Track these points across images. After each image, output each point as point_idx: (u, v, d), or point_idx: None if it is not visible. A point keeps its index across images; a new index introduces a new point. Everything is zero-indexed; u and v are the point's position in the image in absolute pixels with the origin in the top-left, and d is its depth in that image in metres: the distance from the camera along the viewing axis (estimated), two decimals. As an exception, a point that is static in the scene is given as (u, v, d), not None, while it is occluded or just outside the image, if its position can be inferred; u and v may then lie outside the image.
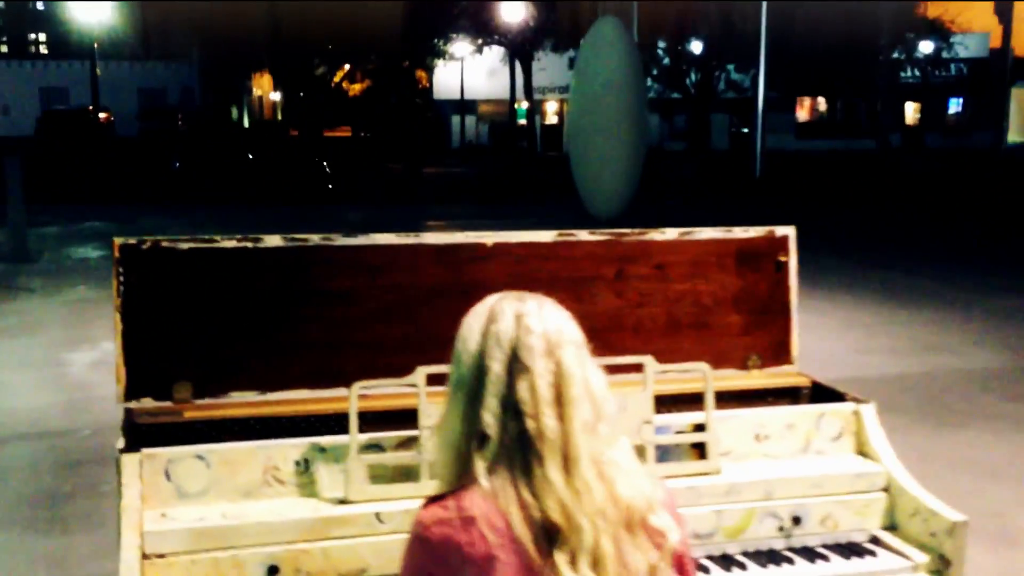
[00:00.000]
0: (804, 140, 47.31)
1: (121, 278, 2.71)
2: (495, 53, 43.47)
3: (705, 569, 2.61)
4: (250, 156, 29.08)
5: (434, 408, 2.38)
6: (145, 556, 2.32)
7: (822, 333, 10.13)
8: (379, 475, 2.55)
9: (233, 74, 47.60)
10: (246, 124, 51.24)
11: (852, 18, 33.73)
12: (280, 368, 2.82)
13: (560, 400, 1.74)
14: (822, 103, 51.52)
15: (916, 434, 6.91)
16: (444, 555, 1.67)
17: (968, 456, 6.49)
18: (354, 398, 2.53)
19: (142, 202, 21.20)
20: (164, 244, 2.75)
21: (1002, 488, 5.91)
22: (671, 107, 43.07)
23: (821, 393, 3.14)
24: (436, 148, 42.30)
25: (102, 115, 38.57)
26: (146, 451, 2.45)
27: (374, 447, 2.57)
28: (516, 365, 1.75)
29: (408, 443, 2.57)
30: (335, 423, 2.71)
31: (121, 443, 2.48)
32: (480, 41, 42.09)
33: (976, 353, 9.33)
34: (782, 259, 3.25)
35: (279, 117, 51.45)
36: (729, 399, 3.05)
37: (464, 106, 45.01)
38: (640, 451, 2.71)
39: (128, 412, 2.71)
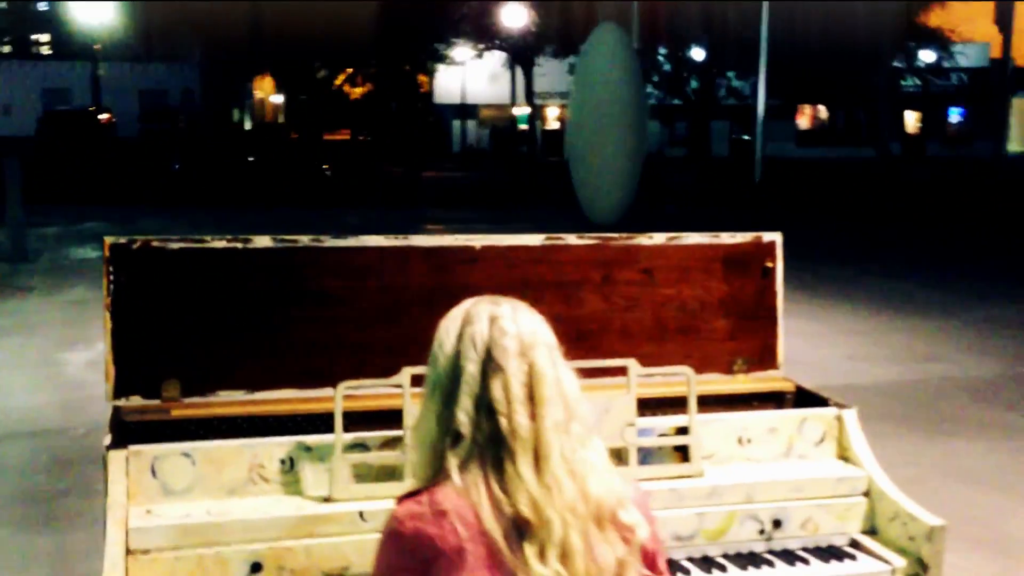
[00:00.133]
0: (804, 148, 47.34)
1: (111, 277, 2.74)
2: (496, 58, 43.53)
3: (685, 570, 2.63)
4: (250, 158, 29.12)
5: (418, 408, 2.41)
6: (130, 552, 2.35)
7: (817, 340, 10.16)
8: (363, 474, 2.58)
9: (235, 76, 47.66)
10: (247, 126, 51.29)
11: (853, 26, 33.77)
12: (268, 368, 2.85)
13: (533, 399, 1.79)
14: (823, 111, 51.58)
15: (907, 441, 6.93)
16: (416, 547, 1.72)
17: (959, 464, 6.51)
18: (339, 398, 2.56)
19: (142, 203, 21.23)
20: (154, 244, 2.78)
21: (991, 496, 5.94)
22: (672, 114, 43.13)
23: (805, 398, 3.16)
24: (437, 152, 42.34)
25: (104, 116, 38.60)
26: (132, 448, 2.48)
27: (359, 446, 2.60)
28: (490, 366, 1.80)
29: (392, 443, 2.60)
30: (322, 423, 2.74)
31: (108, 440, 2.51)
32: (482, 46, 42.15)
33: (971, 361, 9.36)
34: (769, 265, 3.28)
35: (280, 120, 51.51)
36: (714, 403, 3.08)
37: (465, 111, 45.07)
38: (623, 453, 2.74)
39: (117, 410, 2.73)
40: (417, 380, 2.51)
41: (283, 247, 2.87)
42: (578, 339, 3.10)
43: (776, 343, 3.28)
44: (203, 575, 2.39)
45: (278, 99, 54.00)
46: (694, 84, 40.54)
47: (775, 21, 25.05)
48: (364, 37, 37.98)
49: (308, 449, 2.59)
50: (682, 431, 2.82)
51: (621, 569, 1.78)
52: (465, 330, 1.85)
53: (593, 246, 3.12)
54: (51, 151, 31.51)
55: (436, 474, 1.80)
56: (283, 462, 2.58)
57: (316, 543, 2.46)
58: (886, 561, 2.70)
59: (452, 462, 1.77)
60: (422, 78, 48.70)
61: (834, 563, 2.70)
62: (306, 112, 44.15)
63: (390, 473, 2.59)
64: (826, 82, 38.41)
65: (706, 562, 2.68)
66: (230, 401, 2.81)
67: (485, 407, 1.78)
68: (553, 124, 47.72)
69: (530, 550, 1.71)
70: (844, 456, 2.97)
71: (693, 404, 2.79)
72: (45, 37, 51.39)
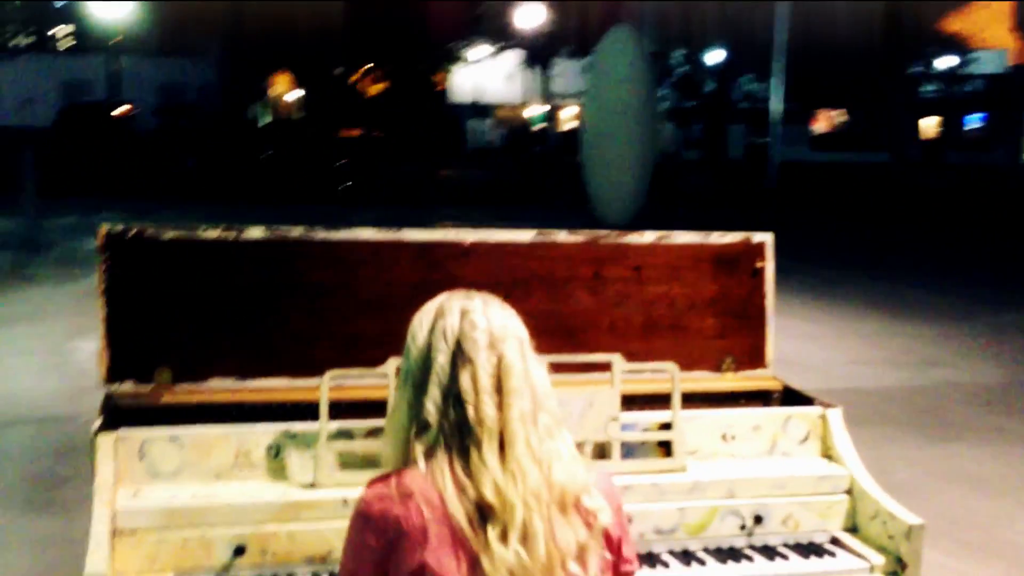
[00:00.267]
0: (820, 152, 47.21)
1: (106, 265, 2.79)
2: (513, 57, 43.59)
3: (665, 564, 2.67)
4: (267, 154, 29.23)
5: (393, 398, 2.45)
6: (116, 532, 2.40)
7: (823, 343, 10.17)
8: (348, 462, 2.62)
9: (252, 72, 47.84)
10: (264, 122, 51.50)
11: (871, 31, 33.69)
12: (259, 356, 2.89)
13: (500, 390, 1.86)
14: (840, 116, 51.42)
15: (909, 445, 6.95)
16: (383, 527, 1.79)
17: (959, 469, 6.52)
18: (325, 387, 2.60)
19: (158, 197, 21.35)
20: (148, 233, 2.83)
21: (990, 501, 5.94)
22: (687, 116, 43.10)
23: (792, 397, 3.19)
24: (451, 151, 42.40)
25: (124, 108, 38.80)
26: (121, 431, 2.53)
27: (344, 435, 2.64)
28: (460, 358, 1.87)
29: (377, 432, 2.63)
30: (310, 411, 2.77)
31: (97, 423, 2.56)
32: (498, 45, 42.22)
33: (976, 367, 9.35)
34: (759, 265, 3.30)
35: (297, 116, 51.66)
36: (701, 400, 3.11)
37: (480, 110, 45.16)
38: (606, 447, 2.78)
39: (109, 395, 2.78)
40: (402, 371, 2.56)
41: (275, 238, 2.91)
42: (567, 335, 3.14)
43: (765, 342, 3.30)
44: (187, 556, 2.43)
45: (296, 96, 54.16)
46: (710, 86, 40.49)
47: (792, 24, 25.02)
48: (382, 35, 38.08)
49: (294, 436, 2.64)
50: (666, 427, 2.85)
51: (582, 552, 1.84)
52: (437, 323, 1.92)
53: (584, 243, 3.15)
54: (69, 144, 31.69)
55: (406, 461, 1.88)
56: (269, 448, 2.63)
57: (300, 528, 2.50)
58: (865, 559, 2.72)
59: (418, 449, 1.84)
60: (438, 76, 48.80)
61: (813, 559, 2.72)
62: (322, 109, 44.31)
63: (375, 461, 2.62)
64: (843, 87, 38.30)
65: (686, 556, 2.72)
66: (221, 388, 2.85)
67: (453, 397, 1.85)
68: (568, 124, 47.76)
69: (492, 532, 1.77)
70: (828, 455, 3.00)
71: (677, 400, 2.82)
72: (66, 30, 51.65)
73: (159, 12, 43.06)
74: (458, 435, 1.83)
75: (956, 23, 39.56)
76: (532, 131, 44.98)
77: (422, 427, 1.85)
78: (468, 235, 3.07)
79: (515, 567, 1.76)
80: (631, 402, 2.95)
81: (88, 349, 8.55)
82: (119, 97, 38.76)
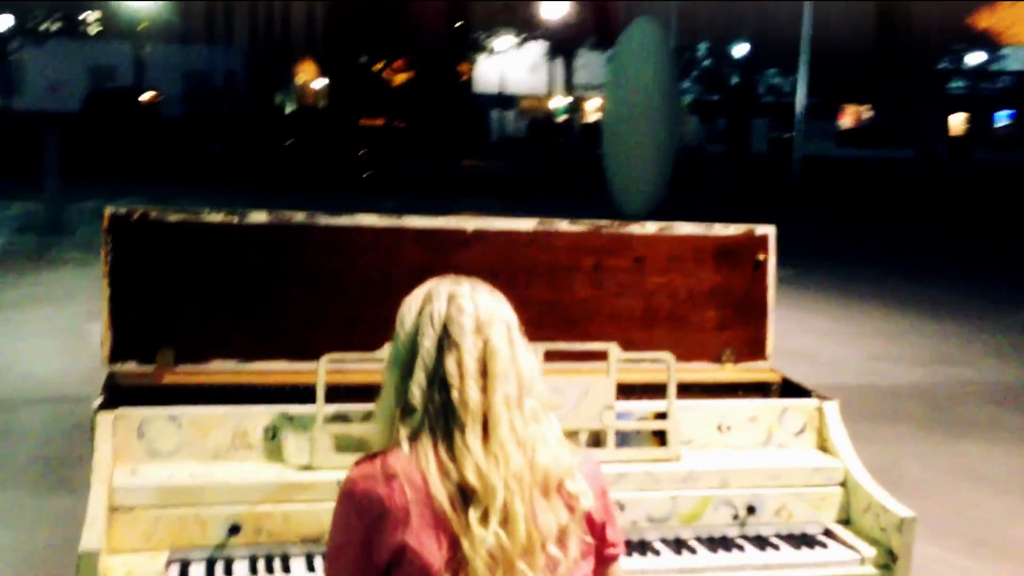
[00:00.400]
0: (846, 148, 46.92)
1: (110, 246, 2.83)
2: (537, 48, 43.52)
3: (656, 552, 2.69)
4: (290, 141, 29.35)
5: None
6: (113, 509, 2.44)
7: (841, 339, 10.14)
8: (344, 445, 2.65)
9: (278, 60, 48.04)
10: (289, 110, 51.67)
11: (898, 27, 33.42)
12: (260, 339, 2.93)
13: (485, 374, 1.88)
14: (866, 111, 51.06)
15: (921, 443, 6.93)
16: (367, 506, 1.82)
17: (972, 467, 6.49)
18: (322, 370, 2.63)
19: (182, 183, 21.49)
20: (152, 216, 2.87)
21: (1001, 500, 5.92)
22: (711, 110, 42.91)
23: (790, 389, 3.19)
24: (475, 141, 42.42)
25: (149, 95, 39.05)
26: (120, 410, 2.57)
27: (340, 418, 2.67)
28: (446, 342, 1.89)
29: (373, 415, 2.66)
30: (310, 394, 2.80)
31: (98, 402, 2.60)
32: (522, 36, 42.16)
33: (993, 366, 9.30)
34: (760, 257, 3.31)
35: (321, 104, 51.80)
36: (700, 391, 3.13)
37: (504, 100, 45.12)
38: (601, 435, 2.80)
39: (111, 374, 2.83)
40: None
41: (278, 223, 2.95)
42: (568, 324, 3.16)
43: (765, 335, 3.31)
44: (183, 534, 2.47)
45: (321, 84, 54.30)
46: (734, 80, 40.31)
47: (819, 18, 24.87)
48: (407, 25, 38.11)
49: (291, 419, 2.67)
50: (661, 416, 2.86)
51: (563, 535, 1.85)
52: (425, 308, 1.93)
53: (585, 233, 3.17)
54: (96, 129, 31.93)
55: (392, 444, 1.90)
56: (266, 430, 2.66)
57: (294, 508, 2.54)
58: (856, 550, 2.73)
59: (402, 432, 1.87)
60: (464, 67, 48.80)
61: (804, 550, 2.74)
62: (346, 98, 44.42)
63: (370, 445, 2.65)
64: (870, 82, 38.03)
65: (678, 544, 2.73)
66: (222, 370, 2.89)
67: (439, 381, 1.87)
68: (592, 116, 47.67)
69: (474, 515, 1.79)
70: (823, 447, 3.00)
71: (672, 390, 2.83)
72: (94, 16, 51.95)
73: (186, -1, 43.30)
74: (443, 418, 1.84)
75: (985, 19, 39.17)
76: (556, 122, 44.90)
77: (407, 410, 1.88)
78: (470, 223, 3.09)
79: (495, 549, 1.78)
80: (629, 391, 2.96)
81: (106, 332, 8.64)
82: (145, 83, 39.00)
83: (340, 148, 28.29)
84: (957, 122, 49.61)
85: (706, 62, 39.82)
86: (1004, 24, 39.72)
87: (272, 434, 2.66)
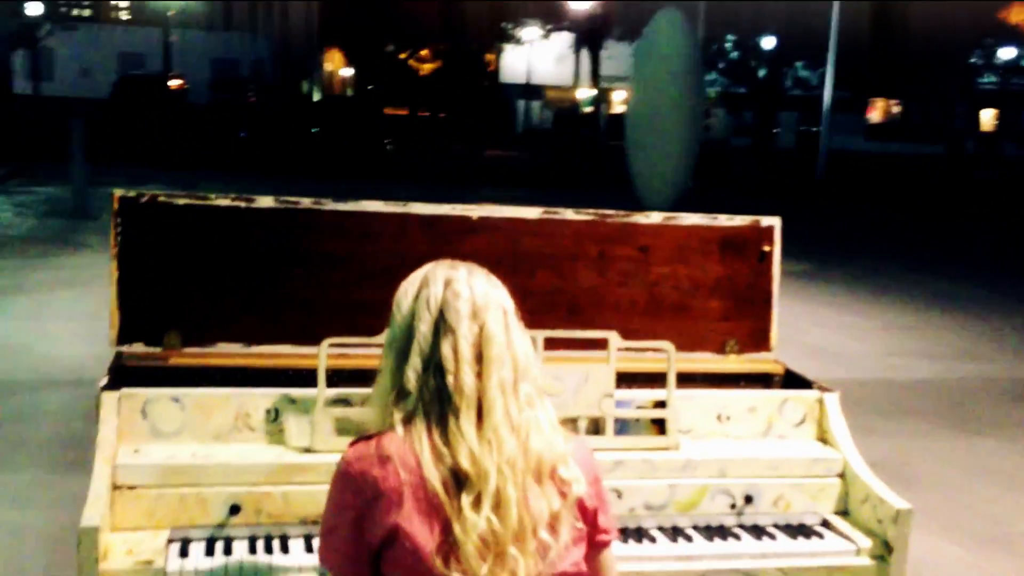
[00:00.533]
0: (874, 142, 46.56)
1: (119, 229, 2.87)
2: (564, 39, 43.43)
3: (652, 539, 2.70)
4: (315, 129, 29.48)
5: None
6: (116, 487, 2.48)
7: (859, 334, 10.11)
8: (345, 428, 2.68)
9: (305, 48, 48.18)
10: (316, 98, 51.84)
11: (928, 20, 33.10)
12: (266, 323, 2.96)
13: (480, 359, 1.88)
14: (895, 106, 50.65)
15: (935, 438, 6.90)
16: (361, 487, 1.83)
17: (986, 464, 6.47)
18: (323, 354, 2.67)
19: (207, 169, 21.63)
20: (161, 199, 2.90)
21: (1014, 496, 5.90)
22: (738, 102, 42.69)
23: (793, 381, 3.20)
24: (500, 132, 42.42)
25: (176, 83, 39.29)
26: (125, 390, 2.61)
27: (342, 401, 2.71)
28: (442, 326, 1.90)
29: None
30: (313, 378, 2.84)
31: (103, 382, 2.64)
32: (549, 26, 42.08)
33: (1012, 363, 9.24)
34: (766, 249, 3.31)
35: (347, 93, 51.94)
36: (703, 381, 3.14)
37: (530, 91, 45.06)
38: (600, 423, 2.82)
39: (118, 355, 2.87)
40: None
41: (285, 208, 2.98)
42: (571, 312, 3.18)
43: (770, 326, 3.32)
44: (184, 513, 2.51)
45: (348, 72, 54.42)
46: (761, 73, 40.09)
47: (847, 12, 24.68)
48: (435, 14, 38.12)
49: (293, 401, 2.71)
50: (661, 405, 2.88)
51: (554, 521, 1.86)
52: (421, 292, 1.95)
53: (590, 221, 3.18)
54: (125, 114, 32.20)
55: (387, 426, 1.91)
56: (268, 412, 2.70)
57: (294, 490, 2.57)
58: (852, 541, 2.74)
59: (397, 416, 1.88)
60: (490, 57, 48.78)
61: (801, 540, 2.75)
62: (372, 86, 44.52)
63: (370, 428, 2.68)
64: (899, 76, 37.72)
65: (675, 532, 2.75)
66: (227, 353, 2.92)
67: (434, 365, 1.87)
68: (618, 108, 47.53)
69: (466, 499, 1.80)
70: (823, 438, 3.01)
71: (672, 379, 2.85)
72: (124, 3, 52.31)
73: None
74: (437, 402, 1.85)
75: (1017, 13, 38.71)
76: (581, 114, 44.79)
77: (402, 393, 1.89)
78: (475, 210, 3.11)
79: (486, 534, 1.79)
80: (632, 380, 2.98)
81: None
82: (173, 70, 39.22)
83: (365, 137, 28.39)
84: (987, 117, 49.11)
85: (733, 54, 39.61)
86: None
87: (274, 416, 2.70)
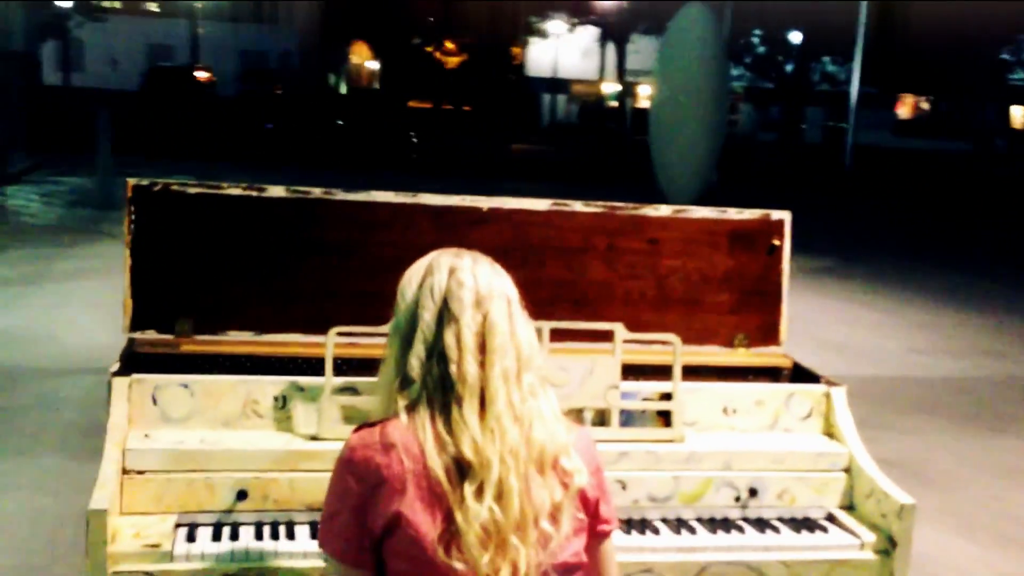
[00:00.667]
0: (902, 138, 46.19)
1: (133, 217, 2.91)
2: (590, 33, 43.33)
3: (656, 530, 2.72)
4: (340, 122, 29.58)
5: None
6: (125, 472, 2.52)
7: (883, 330, 10.06)
8: (352, 416, 2.71)
9: (332, 40, 48.32)
10: (343, 91, 51.98)
11: (959, 16, 32.80)
12: (276, 311, 3.00)
13: (484, 348, 1.89)
14: (924, 101, 50.23)
15: (954, 435, 6.87)
16: (364, 474, 1.84)
17: (1002, 461, 6.43)
18: (330, 342, 2.69)
19: (233, 160, 21.74)
20: (174, 187, 2.94)
21: (1029, 495, 5.87)
22: (765, 97, 42.45)
23: (801, 375, 3.20)
24: (525, 126, 42.39)
25: (205, 75, 39.52)
26: (136, 376, 2.65)
27: (348, 390, 2.73)
28: (446, 315, 1.90)
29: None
30: (323, 367, 2.87)
31: (115, 367, 2.68)
32: (575, 20, 41.99)
33: (1035, 362, 9.18)
34: (775, 243, 3.31)
35: (372, 86, 52.06)
36: (711, 374, 3.15)
37: (556, 85, 45.00)
38: (606, 414, 2.83)
39: (131, 341, 2.91)
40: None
41: (296, 197, 3.01)
42: (580, 304, 3.19)
43: (779, 320, 3.32)
44: (192, 497, 2.55)
45: (375, 65, 54.54)
46: (788, 68, 39.85)
47: (876, 7, 24.49)
48: (462, 7, 38.14)
49: (301, 389, 2.74)
50: (667, 397, 2.89)
51: (556, 511, 1.86)
52: (425, 280, 1.95)
53: (599, 214, 3.20)
54: (153, 106, 32.42)
55: (391, 414, 1.92)
56: (276, 399, 2.73)
57: (300, 476, 2.60)
58: (856, 535, 2.74)
59: (400, 404, 1.89)
60: (516, 50, 48.75)
61: (804, 534, 2.75)
62: (397, 79, 44.61)
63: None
64: (928, 72, 37.40)
65: (679, 523, 2.76)
66: (238, 340, 2.96)
67: (438, 354, 1.88)
68: (644, 102, 47.34)
69: (469, 489, 1.80)
70: (830, 432, 3.01)
71: (678, 371, 2.86)
72: (153, -6, 52.68)
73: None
74: (440, 391, 1.86)
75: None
76: (607, 108, 44.69)
77: (406, 381, 1.90)
78: (485, 201, 3.13)
79: (488, 523, 1.79)
80: (639, 372, 3.00)
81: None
82: (201, 62, 39.44)
83: (390, 130, 28.47)
84: (1018, 115, 48.59)
85: (760, 49, 39.40)
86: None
87: (282, 403, 2.73)
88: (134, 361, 2.80)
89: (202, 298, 2.96)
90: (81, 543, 2.43)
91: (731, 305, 3.29)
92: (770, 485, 2.84)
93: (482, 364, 1.87)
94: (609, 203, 3.22)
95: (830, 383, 3.07)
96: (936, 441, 6.70)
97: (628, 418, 2.87)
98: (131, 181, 2.92)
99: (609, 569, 2.07)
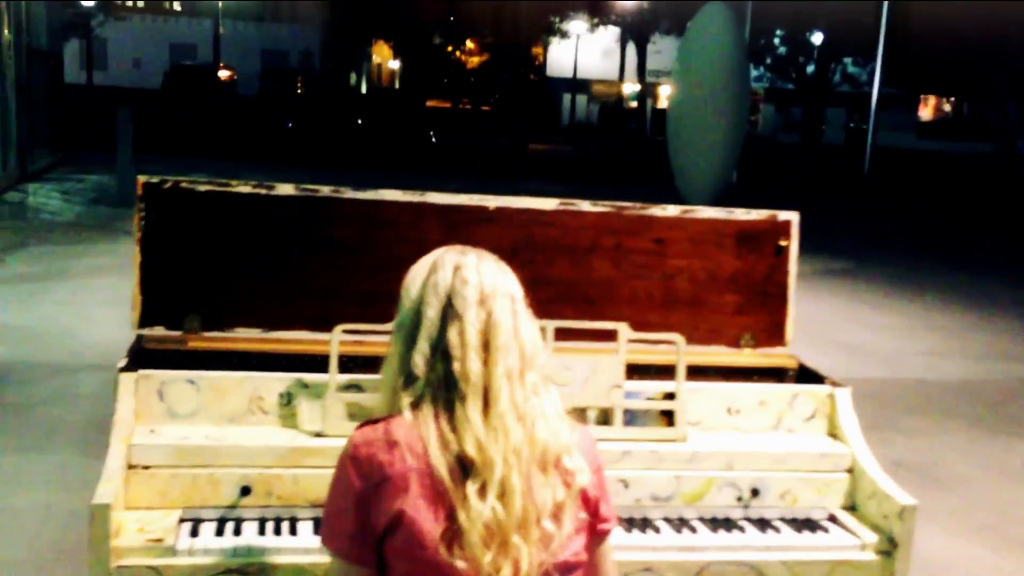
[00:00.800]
0: (925, 140, 45.92)
1: (143, 214, 2.94)
2: (611, 33, 43.29)
3: (657, 529, 2.72)
4: (360, 121, 29.67)
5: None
6: (131, 466, 2.55)
7: (899, 333, 10.02)
8: (356, 413, 2.73)
9: (354, 40, 48.45)
10: (363, 90, 52.12)
11: (981, 17, 32.57)
12: (284, 309, 3.02)
13: (487, 346, 1.89)
14: (947, 103, 49.91)
15: (968, 438, 6.84)
16: (367, 471, 1.85)
17: (1017, 465, 6.40)
18: (335, 340, 2.71)
19: (253, 159, 21.85)
20: (184, 185, 2.97)
21: (1043, 499, 5.83)
22: (786, 98, 42.29)
23: (806, 375, 3.20)
24: (545, 125, 42.38)
25: (226, 73, 39.74)
26: (142, 372, 2.68)
27: (353, 387, 2.75)
28: (449, 312, 1.91)
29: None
30: (328, 364, 2.89)
31: (122, 363, 2.71)
32: (595, 20, 41.95)
33: (1052, 365, 9.12)
34: (782, 243, 3.31)
35: (393, 85, 52.20)
36: (716, 374, 3.15)
37: (576, 85, 44.98)
38: (609, 414, 2.84)
39: (139, 337, 2.94)
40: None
41: (304, 196, 3.03)
42: (586, 304, 3.20)
43: (785, 321, 3.32)
44: (196, 492, 2.57)
45: (395, 64, 54.67)
46: (809, 69, 39.66)
47: (898, 7, 24.36)
48: (483, 7, 38.17)
49: (306, 386, 2.76)
50: (670, 396, 2.89)
51: (558, 511, 1.87)
52: (430, 278, 1.96)
53: (606, 213, 3.20)
54: (175, 104, 32.63)
55: (395, 411, 1.93)
56: (282, 396, 2.75)
57: (304, 473, 2.62)
58: (857, 536, 2.74)
59: (404, 401, 1.89)
60: (537, 50, 48.75)
61: (806, 534, 2.75)
62: (418, 79, 44.70)
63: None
64: (951, 73, 37.16)
65: (680, 522, 2.77)
66: (245, 337, 2.99)
67: (441, 351, 1.88)
68: (664, 103, 47.26)
69: (472, 487, 1.81)
70: (833, 433, 3.01)
71: (681, 371, 2.86)
72: (176, -6, 53.00)
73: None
74: (444, 389, 1.86)
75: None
76: (627, 108, 44.64)
77: (410, 379, 1.90)
78: (492, 200, 3.14)
79: (490, 522, 1.79)
80: (644, 372, 3.00)
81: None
82: (223, 61, 39.63)
83: (409, 129, 28.54)
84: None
85: (781, 49, 39.24)
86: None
87: (287, 400, 2.75)
88: (142, 357, 2.83)
89: (210, 295, 2.99)
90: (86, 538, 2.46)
91: (737, 305, 3.29)
92: (772, 485, 2.84)
93: (485, 362, 1.87)
94: (616, 203, 3.23)
95: (834, 384, 3.07)
96: (948, 443, 6.67)
97: (632, 417, 2.87)
98: (141, 179, 2.95)
99: (607, 568, 2.08)
